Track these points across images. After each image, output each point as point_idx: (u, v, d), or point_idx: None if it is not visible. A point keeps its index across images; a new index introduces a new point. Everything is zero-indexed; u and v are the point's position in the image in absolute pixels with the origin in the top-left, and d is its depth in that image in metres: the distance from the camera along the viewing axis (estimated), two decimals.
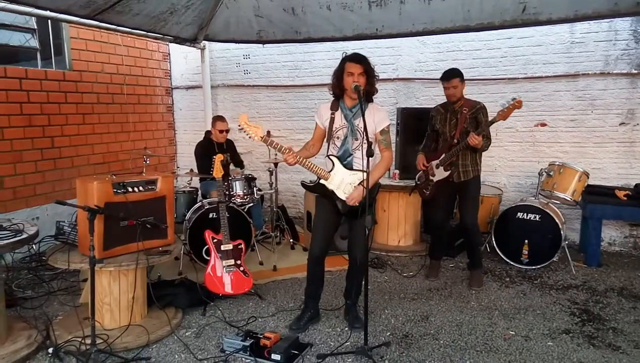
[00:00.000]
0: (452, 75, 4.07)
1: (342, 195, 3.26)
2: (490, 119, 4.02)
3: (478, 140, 3.93)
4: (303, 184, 3.43)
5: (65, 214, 4.62)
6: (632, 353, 3.15)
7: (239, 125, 3.15)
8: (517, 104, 3.91)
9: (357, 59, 3.16)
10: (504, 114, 3.93)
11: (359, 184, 3.19)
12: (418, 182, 4.52)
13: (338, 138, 3.27)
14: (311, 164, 3.24)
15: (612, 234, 5.48)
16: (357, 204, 3.18)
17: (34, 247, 4.64)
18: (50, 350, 3.04)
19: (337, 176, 3.26)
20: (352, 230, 3.42)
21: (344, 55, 3.29)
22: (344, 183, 3.25)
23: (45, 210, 5.17)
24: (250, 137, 3.14)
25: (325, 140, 3.36)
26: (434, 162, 4.29)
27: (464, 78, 4.12)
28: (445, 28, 4.89)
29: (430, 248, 4.71)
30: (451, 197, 4.34)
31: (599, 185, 5.16)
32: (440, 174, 4.26)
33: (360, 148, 3.19)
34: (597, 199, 4.87)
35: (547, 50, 5.43)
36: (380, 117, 3.27)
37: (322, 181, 3.27)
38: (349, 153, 3.25)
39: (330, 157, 3.28)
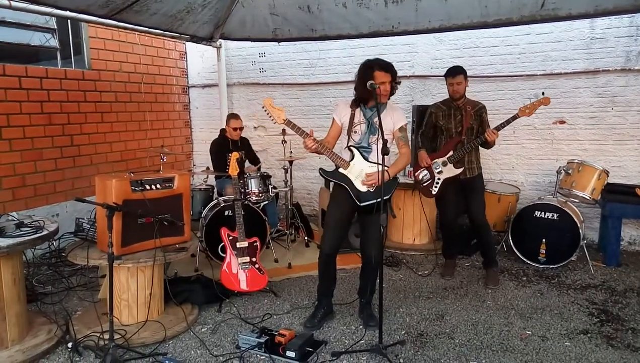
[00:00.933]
0: (457, 72, 4.07)
1: (359, 186, 3.28)
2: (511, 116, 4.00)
3: (497, 135, 3.93)
4: (321, 171, 3.41)
5: (84, 211, 4.72)
6: None
7: (263, 107, 3.24)
8: (543, 100, 3.90)
9: (387, 67, 3.20)
10: (528, 111, 3.91)
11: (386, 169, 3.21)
12: (422, 182, 4.35)
13: (356, 132, 3.31)
14: (331, 151, 3.27)
15: (632, 233, 5.38)
16: (373, 186, 3.23)
17: (54, 244, 4.73)
18: (70, 344, 3.10)
19: (357, 166, 3.28)
20: (365, 228, 3.43)
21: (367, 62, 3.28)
22: (363, 174, 3.27)
23: (65, 207, 5.27)
24: (272, 120, 3.23)
25: (346, 133, 3.35)
26: (440, 160, 4.21)
27: (467, 76, 4.15)
28: (462, 24, 4.84)
29: (443, 247, 4.67)
30: (459, 195, 4.29)
31: (619, 184, 5.06)
32: (449, 171, 4.19)
33: (377, 143, 3.24)
34: (617, 198, 4.78)
35: (567, 46, 5.34)
36: (398, 115, 3.34)
37: (341, 170, 3.28)
38: (368, 147, 3.30)
39: (351, 147, 3.30)
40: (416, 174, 4.39)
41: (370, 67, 3.19)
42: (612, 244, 4.78)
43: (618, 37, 5.14)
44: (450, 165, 4.18)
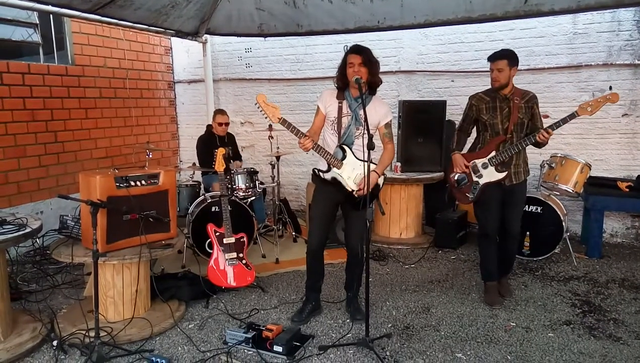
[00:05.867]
0: (497, 56, 3.49)
1: (352, 185, 3.28)
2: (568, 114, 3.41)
3: (551, 135, 3.40)
4: (314, 171, 3.38)
5: (69, 208, 4.66)
6: (633, 344, 3.16)
7: (256, 104, 3.12)
8: (611, 97, 3.33)
9: (357, 50, 3.18)
10: (590, 109, 3.35)
11: (375, 169, 3.24)
12: (458, 186, 3.77)
13: (341, 125, 3.28)
14: (326, 151, 3.24)
15: (614, 226, 5.47)
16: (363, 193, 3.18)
17: (38, 241, 4.68)
18: (55, 342, 3.07)
19: (349, 166, 3.27)
20: (350, 223, 3.45)
21: (345, 48, 3.30)
22: (354, 173, 3.27)
23: (49, 204, 5.21)
24: (266, 118, 3.13)
25: (331, 126, 3.33)
26: (480, 161, 3.63)
27: (517, 64, 3.52)
28: (447, 20, 4.88)
29: (482, 266, 3.89)
30: (499, 202, 3.65)
31: (601, 177, 5.15)
32: (490, 175, 3.60)
33: (361, 137, 3.23)
34: (599, 191, 4.86)
35: (550, 41, 5.40)
36: (383, 111, 3.32)
37: (334, 170, 3.27)
38: (351, 140, 3.29)
39: (343, 146, 3.28)
40: (450, 176, 3.82)
41: (345, 53, 3.24)
42: (595, 236, 4.86)
43: (600, 32, 5.21)
44: (491, 168, 3.59)
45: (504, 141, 3.57)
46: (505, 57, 3.46)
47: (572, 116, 3.38)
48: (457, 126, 3.89)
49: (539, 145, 3.56)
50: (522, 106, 3.54)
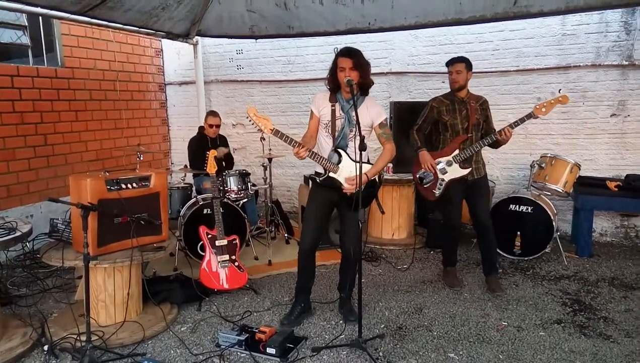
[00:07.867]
0: (455, 60, 3.84)
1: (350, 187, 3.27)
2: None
3: (511, 133, 3.70)
4: (311, 178, 3.38)
5: (60, 211, 4.64)
6: (623, 342, 3.19)
7: (248, 118, 3.13)
8: (561, 99, 3.67)
9: (348, 53, 3.17)
10: (544, 110, 3.67)
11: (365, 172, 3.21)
12: (424, 183, 4.02)
13: (335, 128, 3.29)
14: (321, 157, 3.24)
15: (603, 225, 5.53)
16: (354, 190, 3.18)
17: (28, 245, 4.64)
18: (46, 347, 3.04)
19: (345, 169, 3.26)
20: (344, 224, 3.45)
21: (335, 50, 3.30)
22: (352, 176, 3.25)
23: (40, 207, 5.16)
24: (259, 130, 3.14)
25: (325, 129, 3.33)
26: (444, 159, 3.88)
27: (472, 68, 3.87)
28: (438, 21, 4.91)
29: (445, 254, 4.29)
30: (462, 196, 3.98)
31: (590, 177, 5.21)
32: (455, 171, 3.87)
33: (354, 139, 3.22)
34: (589, 190, 4.92)
35: (539, 42, 5.45)
36: (376, 111, 3.31)
37: (331, 174, 3.27)
38: (345, 143, 3.29)
39: (338, 150, 3.28)
40: (416, 174, 4.07)
41: (336, 55, 3.23)
42: (584, 236, 4.91)
43: (588, 33, 5.27)
44: (455, 165, 3.86)
45: (466, 140, 3.86)
46: (463, 61, 3.84)
47: (530, 116, 3.72)
48: (415, 127, 4.05)
49: (497, 144, 3.86)
50: (478, 108, 3.89)
